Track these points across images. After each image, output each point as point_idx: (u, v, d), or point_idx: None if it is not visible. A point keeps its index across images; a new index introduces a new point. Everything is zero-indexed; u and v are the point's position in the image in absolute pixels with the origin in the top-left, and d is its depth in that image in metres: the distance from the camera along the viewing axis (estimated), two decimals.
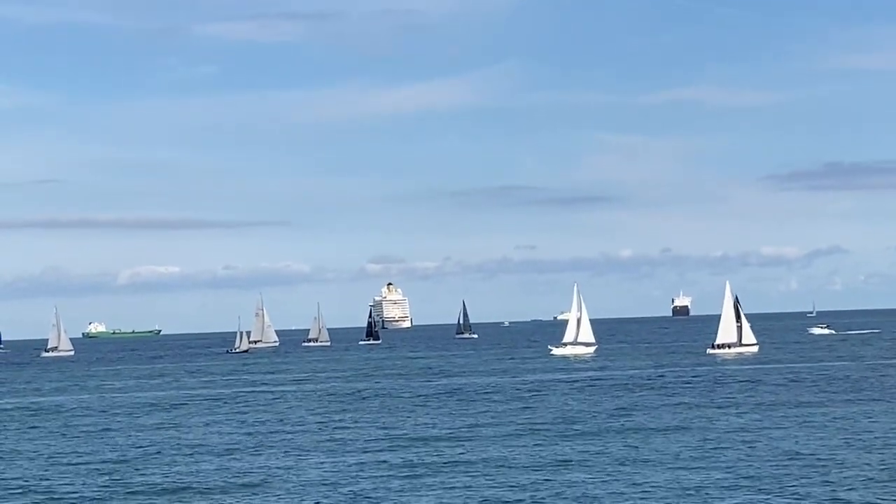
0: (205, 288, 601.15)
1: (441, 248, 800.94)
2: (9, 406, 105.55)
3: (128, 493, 52.43)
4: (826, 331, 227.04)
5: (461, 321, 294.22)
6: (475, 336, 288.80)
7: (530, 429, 70.79)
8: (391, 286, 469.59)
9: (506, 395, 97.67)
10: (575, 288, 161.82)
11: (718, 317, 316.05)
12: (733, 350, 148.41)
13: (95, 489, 53.76)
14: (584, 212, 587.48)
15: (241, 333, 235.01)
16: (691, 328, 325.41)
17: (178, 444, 69.86)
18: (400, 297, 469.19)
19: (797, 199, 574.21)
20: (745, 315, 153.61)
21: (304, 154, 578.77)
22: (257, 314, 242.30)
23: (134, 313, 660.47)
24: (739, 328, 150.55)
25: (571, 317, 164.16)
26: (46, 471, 60.48)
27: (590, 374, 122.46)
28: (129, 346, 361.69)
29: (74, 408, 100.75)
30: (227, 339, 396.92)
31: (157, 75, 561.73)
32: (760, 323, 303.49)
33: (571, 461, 57.19)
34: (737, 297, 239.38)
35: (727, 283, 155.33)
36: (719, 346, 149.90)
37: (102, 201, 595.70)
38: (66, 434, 78.42)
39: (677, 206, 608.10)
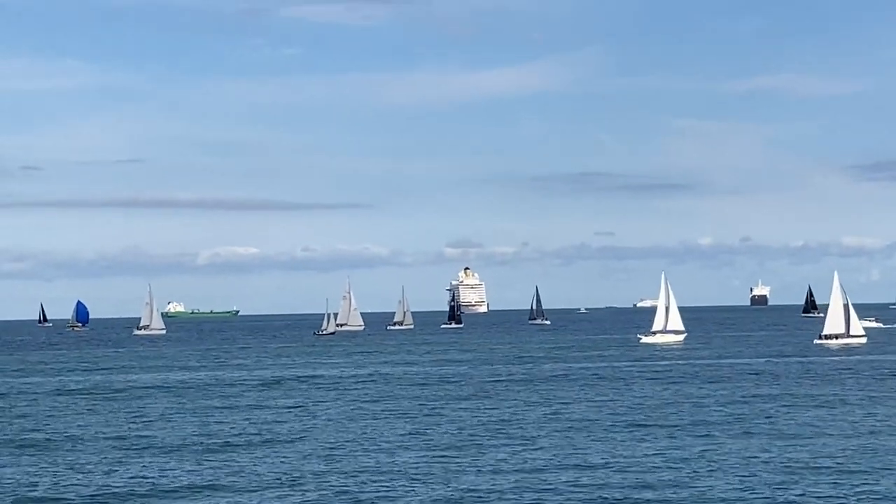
0: (283, 269, 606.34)
1: (519, 234, 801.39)
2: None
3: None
4: (874, 324, 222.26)
5: (534, 307, 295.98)
6: (548, 322, 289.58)
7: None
8: (468, 270, 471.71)
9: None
10: (663, 276, 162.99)
11: (798, 307, 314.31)
12: (840, 341, 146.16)
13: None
14: (663, 199, 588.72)
15: (329, 315, 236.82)
16: (772, 317, 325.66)
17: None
18: (477, 281, 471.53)
19: (880, 189, 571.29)
20: (849, 305, 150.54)
21: (385, 137, 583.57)
22: (344, 297, 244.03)
23: (213, 293, 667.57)
24: (848, 318, 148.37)
25: (660, 305, 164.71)
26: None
27: (708, 361, 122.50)
28: (214, 325, 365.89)
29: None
30: (306, 320, 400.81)
31: (242, 56, 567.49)
32: None
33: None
34: (810, 288, 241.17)
35: (836, 273, 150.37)
36: (827, 337, 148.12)
37: (184, 181, 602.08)
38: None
39: (757, 195, 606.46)
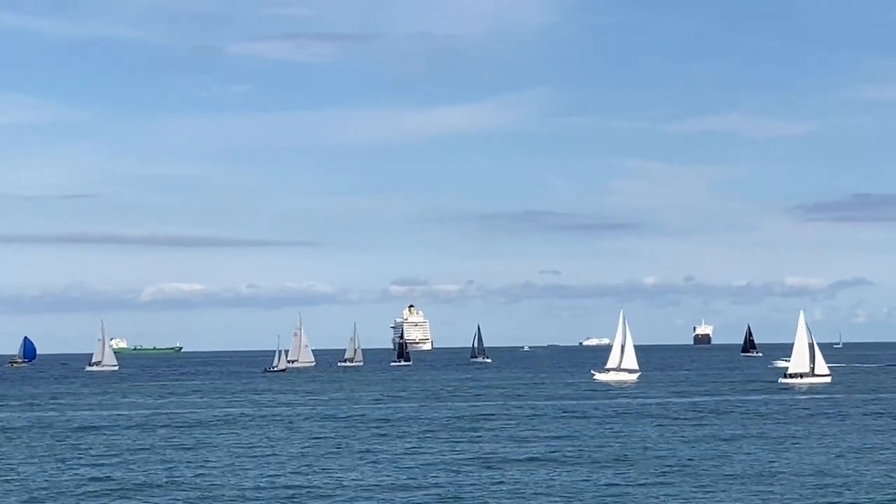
0: (228, 306, 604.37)
1: (464, 272, 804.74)
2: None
3: None
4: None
5: (475, 345, 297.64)
6: (489, 360, 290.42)
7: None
8: (413, 308, 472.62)
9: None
10: (621, 314, 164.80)
11: (738, 346, 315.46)
12: (806, 380, 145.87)
13: None
14: (609, 238, 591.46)
15: (280, 352, 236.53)
16: (716, 357, 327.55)
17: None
18: (421, 319, 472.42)
19: (823, 230, 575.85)
20: (815, 344, 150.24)
21: (333, 174, 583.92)
22: (295, 333, 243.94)
23: (156, 330, 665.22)
24: (813, 357, 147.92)
25: (616, 342, 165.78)
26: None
27: (672, 400, 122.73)
28: (163, 362, 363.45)
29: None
30: (250, 357, 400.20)
31: (190, 93, 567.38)
32: (785, 352, 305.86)
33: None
34: (749, 328, 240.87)
35: (801, 312, 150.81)
36: (791, 376, 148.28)
37: (132, 217, 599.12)
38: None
39: (703, 235, 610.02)
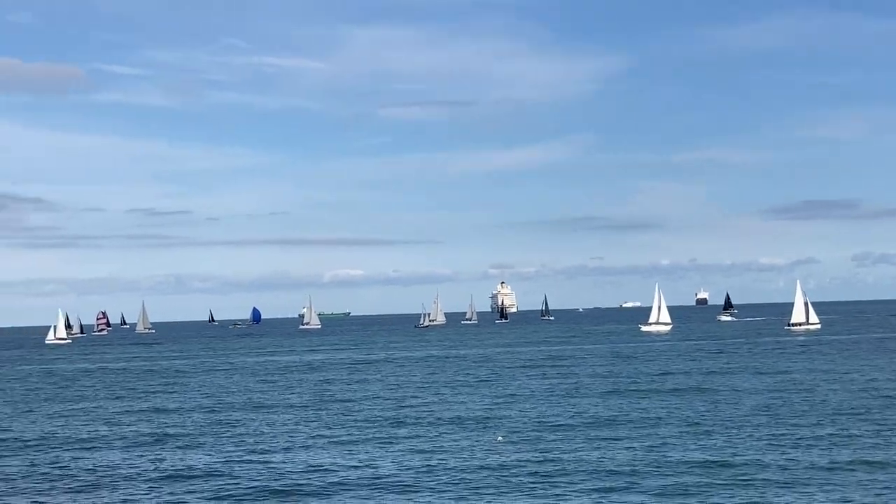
0: (380, 284, 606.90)
1: (537, 259, 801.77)
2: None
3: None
4: (728, 318, 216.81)
5: (543, 308, 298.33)
6: (552, 318, 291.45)
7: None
8: (504, 284, 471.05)
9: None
10: (657, 286, 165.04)
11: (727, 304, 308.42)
12: (803, 327, 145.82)
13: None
14: (636, 234, 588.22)
15: (424, 315, 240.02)
16: (711, 314, 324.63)
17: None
18: (509, 291, 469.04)
19: (784, 225, 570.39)
20: (808, 303, 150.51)
21: (447, 195, 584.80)
22: (434, 301, 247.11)
23: (333, 301, 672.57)
24: (807, 312, 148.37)
25: (654, 305, 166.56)
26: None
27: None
28: (341, 323, 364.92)
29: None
30: (400, 319, 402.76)
31: (351, 143, 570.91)
32: (756, 311, 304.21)
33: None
34: (727, 294, 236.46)
35: (798, 281, 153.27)
36: (794, 325, 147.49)
37: (314, 226, 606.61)
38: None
39: (701, 230, 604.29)
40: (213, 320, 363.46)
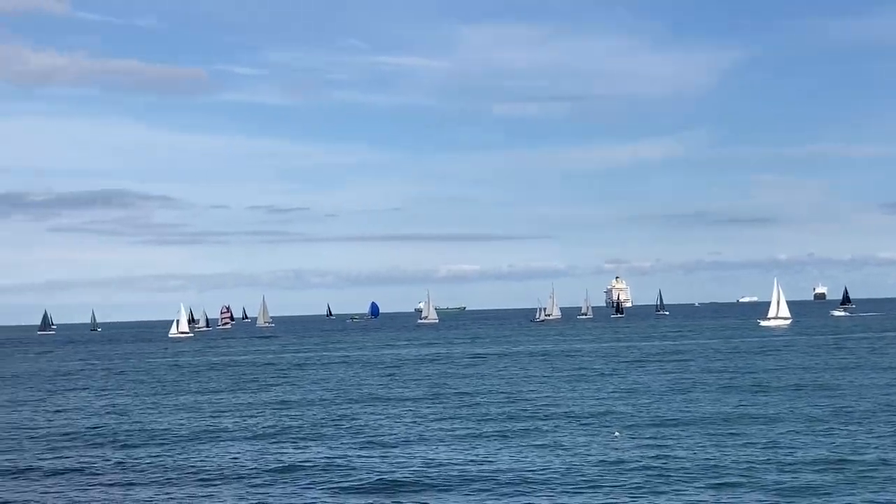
0: (494, 279, 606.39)
1: (653, 253, 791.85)
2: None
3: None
4: (843, 313, 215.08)
5: (658, 303, 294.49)
6: (667, 313, 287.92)
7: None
8: (619, 278, 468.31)
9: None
10: (775, 281, 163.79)
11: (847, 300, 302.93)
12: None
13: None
14: (753, 228, 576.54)
15: (540, 309, 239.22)
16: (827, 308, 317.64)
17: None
18: (624, 286, 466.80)
19: None
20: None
21: (563, 190, 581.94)
22: (550, 296, 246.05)
23: (448, 295, 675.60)
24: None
25: (773, 300, 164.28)
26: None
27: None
28: (458, 317, 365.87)
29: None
30: (514, 313, 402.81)
31: (465, 139, 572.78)
32: (874, 306, 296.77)
33: None
34: (846, 288, 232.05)
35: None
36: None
37: (428, 222, 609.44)
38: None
39: (819, 225, 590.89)
40: (330, 314, 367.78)
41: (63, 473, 34.67)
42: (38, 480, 33.58)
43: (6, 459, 38.32)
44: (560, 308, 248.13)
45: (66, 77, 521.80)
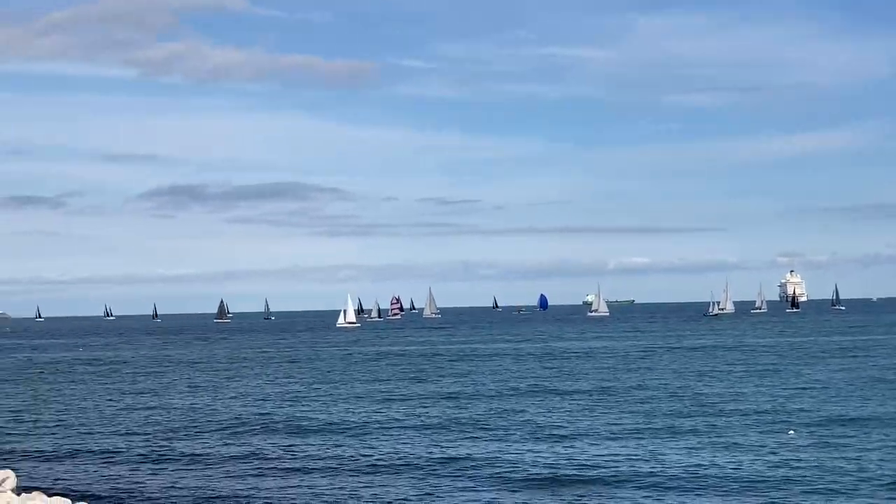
0: (665, 272, 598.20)
1: (828, 247, 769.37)
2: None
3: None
4: None
5: (834, 298, 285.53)
6: (843, 308, 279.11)
7: None
8: (793, 272, 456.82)
9: None
10: None
11: None
12: None
13: None
14: None
15: (713, 303, 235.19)
16: None
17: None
18: (799, 280, 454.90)
19: None
20: None
21: (734, 182, 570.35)
22: (723, 290, 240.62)
23: (617, 289, 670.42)
24: None
25: None
26: None
27: None
28: (628, 311, 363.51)
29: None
30: (684, 307, 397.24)
31: (636, 131, 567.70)
32: None
33: None
34: None
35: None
36: None
37: (597, 214, 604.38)
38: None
39: None
40: (496, 306, 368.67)
41: (239, 459, 35.76)
42: (215, 465, 34.72)
43: (185, 445, 39.77)
44: (733, 302, 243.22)
45: (243, 72, 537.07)
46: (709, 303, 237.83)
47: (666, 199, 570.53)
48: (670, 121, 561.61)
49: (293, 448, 37.78)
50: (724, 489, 28.53)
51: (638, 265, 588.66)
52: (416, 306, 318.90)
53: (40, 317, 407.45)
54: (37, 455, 37.42)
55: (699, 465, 31.91)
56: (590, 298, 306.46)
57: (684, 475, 30.37)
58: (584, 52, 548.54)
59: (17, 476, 24.12)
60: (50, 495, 21.89)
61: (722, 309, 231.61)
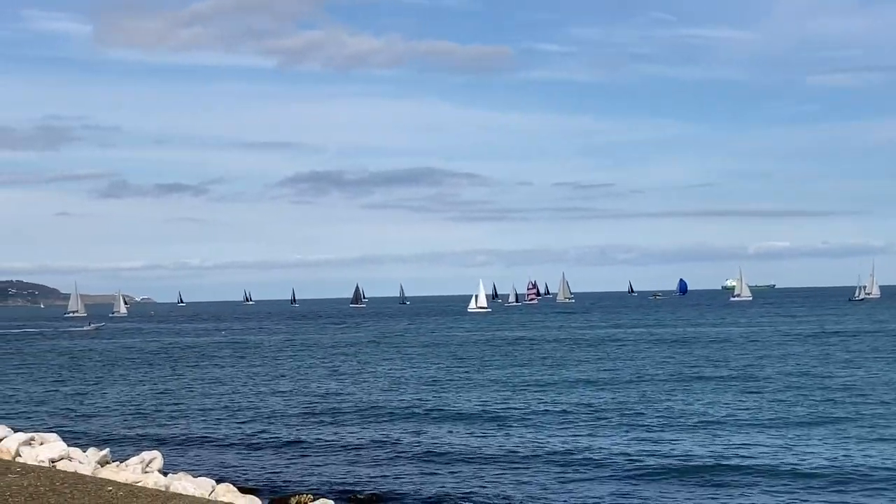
0: (807, 256, 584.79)
1: None
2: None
3: None
4: None
5: None
6: None
7: None
8: None
9: None
10: None
11: None
12: None
13: None
14: None
15: (859, 288, 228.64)
16: None
17: None
18: None
19: None
20: None
21: (880, 163, 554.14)
22: (870, 274, 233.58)
23: (758, 273, 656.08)
24: None
25: None
26: None
27: None
28: (764, 295, 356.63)
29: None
30: (827, 291, 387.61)
31: (777, 112, 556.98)
32: None
33: None
34: None
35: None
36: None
37: (737, 197, 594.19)
38: None
39: None
40: (632, 291, 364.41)
41: (377, 444, 36.16)
42: (354, 451, 35.20)
43: (325, 430, 40.48)
44: (879, 287, 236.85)
45: (380, 59, 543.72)
46: (855, 287, 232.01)
47: (808, 181, 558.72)
48: (812, 102, 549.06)
49: (426, 435, 37.99)
50: (869, 483, 27.76)
51: (778, 249, 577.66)
52: (550, 291, 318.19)
53: (182, 302, 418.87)
54: (182, 438, 38.57)
55: (843, 458, 31.09)
56: (729, 283, 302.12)
57: (827, 468, 29.58)
58: (723, 32, 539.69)
59: (164, 457, 24.98)
60: (195, 476, 22.66)
61: (869, 294, 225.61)
